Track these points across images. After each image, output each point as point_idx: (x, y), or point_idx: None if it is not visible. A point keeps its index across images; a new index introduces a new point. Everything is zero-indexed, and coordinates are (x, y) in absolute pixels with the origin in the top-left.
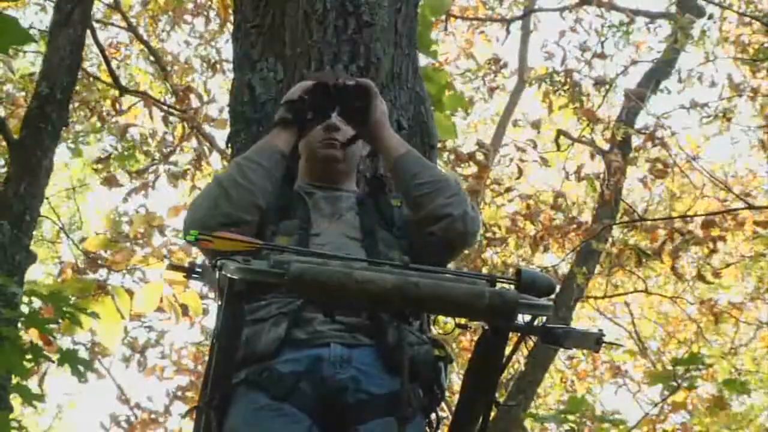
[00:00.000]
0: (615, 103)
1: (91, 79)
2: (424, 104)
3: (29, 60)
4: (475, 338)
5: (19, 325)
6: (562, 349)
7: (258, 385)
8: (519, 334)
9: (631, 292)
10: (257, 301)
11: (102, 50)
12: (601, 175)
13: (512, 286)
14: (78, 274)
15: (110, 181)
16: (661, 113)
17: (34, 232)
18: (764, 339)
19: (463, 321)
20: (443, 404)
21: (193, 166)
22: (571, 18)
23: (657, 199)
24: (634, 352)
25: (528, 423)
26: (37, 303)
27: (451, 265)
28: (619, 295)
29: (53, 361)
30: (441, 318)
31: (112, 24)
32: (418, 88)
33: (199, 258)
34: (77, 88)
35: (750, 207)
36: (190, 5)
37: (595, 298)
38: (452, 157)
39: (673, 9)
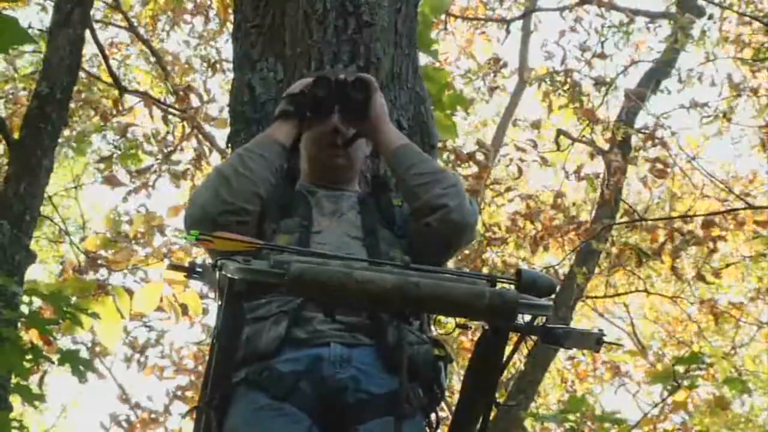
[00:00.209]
0: (615, 103)
1: (92, 79)
2: (424, 104)
3: (30, 59)
4: (475, 338)
5: (19, 325)
6: (562, 350)
7: (258, 385)
8: (519, 334)
9: (631, 292)
10: (257, 300)
11: (102, 50)
12: (601, 175)
13: (512, 286)
14: (79, 274)
15: (111, 181)
16: (661, 113)
17: (35, 232)
18: (766, 337)
19: (463, 321)
20: (443, 404)
21: (193, 166)
22: (571, 18)
23: (657, 200)
24: (634, 353)
25: (528, 423)
26: (37, 302)
27: (451, 265)
28: (619, 294)
29: (53, 362)
30: (441, 318)
31: (113, 24)
32: (418, 88)
33: (200, 258)
34: (79, 88)
35: (750, 207)
36: (190, 5)
37: (596, 297)
38: (452, 157)
39: (673, 9)
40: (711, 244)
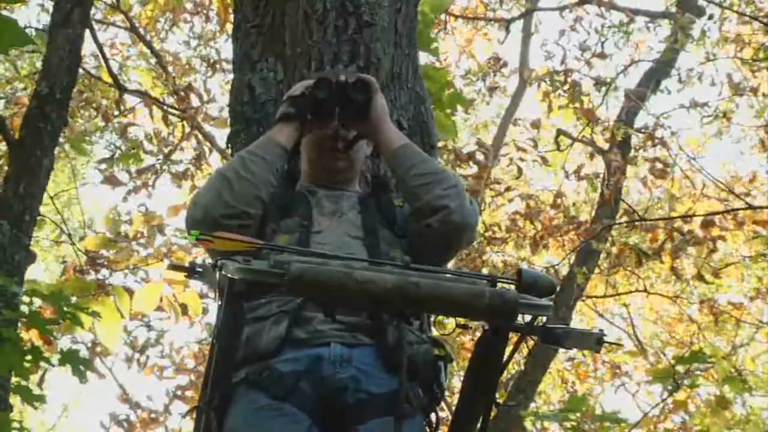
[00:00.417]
0: (615, 103)
1: (92, 80)
2: (424, 104)
3: (30, 59)
4: (475, 338)
5: (19, 324)
6: (562, 351)
7: (258, 385)
8: (519, 334)
9: (631, 292)
10: (257, 299)
11: (102, 50)
12: (601, 175)
13: (513, 286)
14: (80, 274)
15: (111, 181)
16: (661, 113)
17: (36, 233)
18: (767, 336)
19: (463, 321)
20: (443, 404)
21: (193, 166)
22: (571, 17)
23: (657, 200)
24: (634, 353)
25: (528, 423)
26: (37, 302)
27: (451, 265)
28: (618, 294)
29: (53, 365)
30: (442, 318)
31: (113, 24)
32: (418, 88)
33: (200, 258)
34: (80, 89)
35: (750, 207)
36: (189, 5)
37: (595, 297)
38: (452, 157)
39: (673, 9)
40: (711, 244)
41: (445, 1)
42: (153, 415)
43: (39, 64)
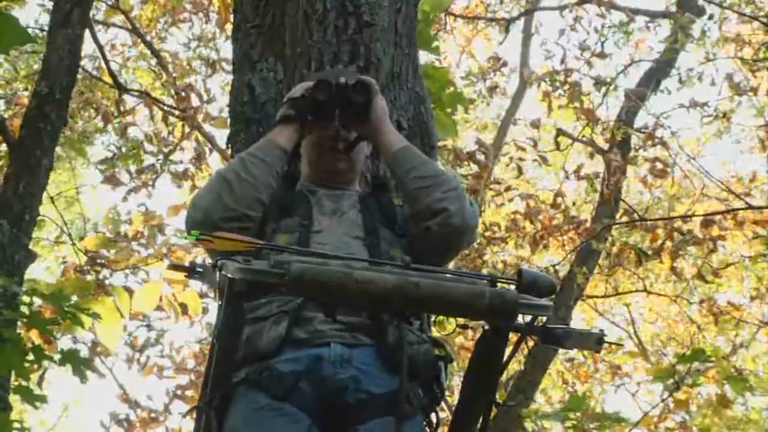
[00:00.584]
0: (615, 103)
1: (93, 80)
2: (424, 104)
3: (29, 59)
4: (476, 338)
5: (20, 324)
6: (562, 352)
7: (258, 385)
8: (519, 334)
9: (630, 292)
10: (257, 299)
11: (102, 50)
12: (601, 175)
13: (513, 286)
14: (81, 274)
15: (111, 180)
16: (660, 113)
17: (36, 233)
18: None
19: (463, 321)
20: (443, 404)
21: (193, 165)
22: (570, 17)
23: (657, 200)
24: (634, 354)
25: (529, 423)
26: (37, 302)
27: (451, 265)
28: (618, 294)
29: (55, 362)
30: (442, 318)
31: (114, 25)
32: (418, 88)
33: (200, 257)
34: (80, 89)
35: (750, 207)
36: (189, 5)
37: (595, 297)
38: (451, 156)
39: (673, 8)
40: (711, 244)
41: (445, 0)
42: (153, 415)
43: (38, 66)
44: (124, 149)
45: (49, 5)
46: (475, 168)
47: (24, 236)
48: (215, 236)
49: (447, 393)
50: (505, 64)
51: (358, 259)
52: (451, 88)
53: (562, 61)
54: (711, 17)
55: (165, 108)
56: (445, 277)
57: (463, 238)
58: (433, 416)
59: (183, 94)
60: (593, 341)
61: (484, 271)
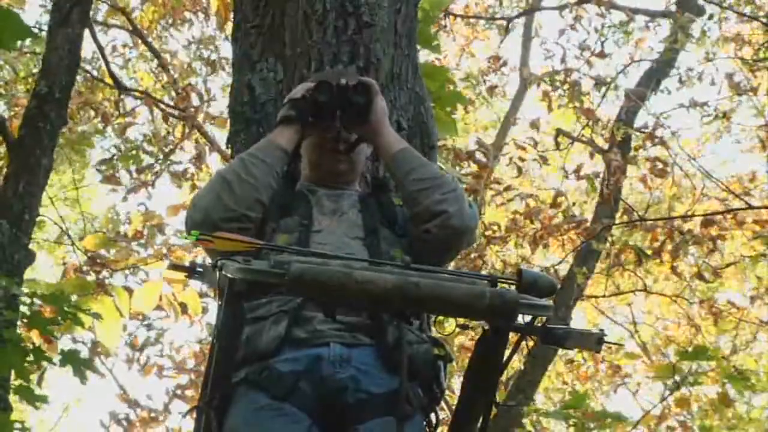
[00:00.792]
0: (615, 102)
1: (94, 81)
2: (424, 104)
3: (28, 60)
4: (476, 338)
5: (19, 323)
6: (562, 353)
7: (258, 385)
8: (519, 334)
9: (630, 292)
10: (257, 299)
11: (101, 50)
12: (601, 175)
13: (513, 287)
14: (81, 274)
15: (111, 180)
16: (660, 113)
17: (36, 234)
18: None
19: (463, 321)
20: (443, 404)
21: (193, 165)
22: (570, 17)
23: (657, 200)
24: (634, 355)
25: (529, 422)
26: (37, 301)
27: (451, 265)
28: (618, 294)
29: (54, 364)
30: (442, 318)
31: (115, 26)
32: (417, 89)
33: (200, 257)
34: (79, 89)
35: (750, 207)
36: (187, 2)
37: (595, 297)
38: (451, 156)
39: (673, 8)
40: (710, 244)
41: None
42: (153, 414)
43: (36, 68)
44: (123, 148)
45: (50, 6)
46: (475, 168)
47: (24, 236)
48: (215, 236)
49: (447, 393)
50: (505, 64)
51: (358, 259)
52: (451, 87)
53: (563, 61)
54: (711, 17)
55: (165, 107)
56: (445, 277)
57: (462, 239)
58: (432, 416)
59: (183, 93)
60: (593, 341)
61: (484, 271)
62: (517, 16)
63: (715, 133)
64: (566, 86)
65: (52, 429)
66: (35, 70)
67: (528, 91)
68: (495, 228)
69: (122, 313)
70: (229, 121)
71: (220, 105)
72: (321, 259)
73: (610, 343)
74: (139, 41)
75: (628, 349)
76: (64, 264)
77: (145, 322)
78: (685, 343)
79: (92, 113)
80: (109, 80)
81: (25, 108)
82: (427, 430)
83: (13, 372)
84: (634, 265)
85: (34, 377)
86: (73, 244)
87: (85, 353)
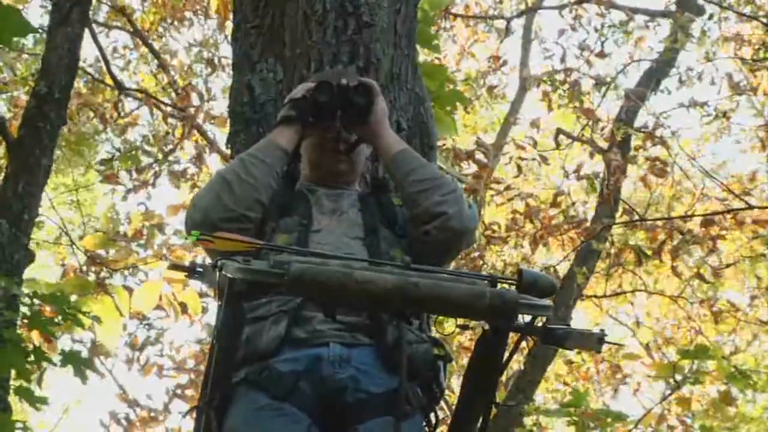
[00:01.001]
0: (615, 102)
1: (95, 83)
2: (424, 105)
3: (27, 61)
4: (475, 338)
5: (20, 324)
6: (560, 354)
7: (258, 385)
8: (519, 334)
9: (630, 291)
10: (257, 299)
11: (101, 50)
12: (601, 174)
13: (513, 287)
14: (81, 275)
15: (110, 179)
16: (660, 112)
17: (36, 234)
18: None
19: (463, 321)
20: (443, 404)
21: (193, 165)
22: (570, 16)
23: (657, 200)
24: (633, 356)
25: (530, 422)
26: (37, 301)
27: (452, 265)
28: (618, 294)
29: (55, 364)
30: (442, 318)
31: (116, 27)
32: (417, 89)
33: (200, 257)
34: (78, 90)
35: (750, 207)
36: (186, 1)
37: (594, 297)
38: (451, 155)
39: (673, 8)
40: (710, 243)
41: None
42: (152, 414)
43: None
44: (122, 149)
45: (50, 7)
46: (475, 168)
47: (23, 236)
48: (215, 236)
49: (447, 393)
50: (504, 63)
51: (357, 259)
52: (451, 86)
53: (562, 61)
54: (711, 17)
55: (165, 107)
56: (445, 277)
57: (462, 240)
58: (432, 416)
59: (183, 93)
60: (594, 341)
61: (485, 271)
62: (517, 16)
63: (715, 133)
64: (566, 86)
65: (52, 430)
66: (35, 71)
67: (528, 92)
68: (495, 228)
69: (122, 312)
70: (228, 121)
71: (221, 106)
72: (321, 259)
73: (610, 343)
74: (140, 42)
75: (629, 349)
76: (63, 265)
77: (145, 322)
78: (685, 343)
79: (91, 114)
80: (109, 81)
81: (24, 108)
82: (427, 429)
83: (13, 372)
84: (634, 265)
85: (33, 378)
86: (72, 244)
87: (84, 354)
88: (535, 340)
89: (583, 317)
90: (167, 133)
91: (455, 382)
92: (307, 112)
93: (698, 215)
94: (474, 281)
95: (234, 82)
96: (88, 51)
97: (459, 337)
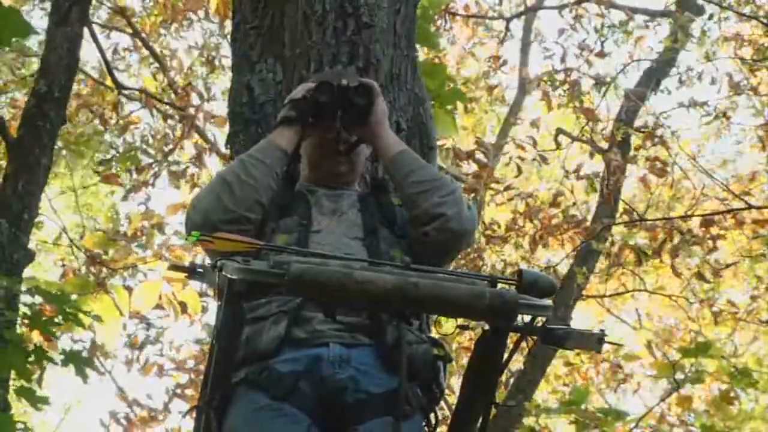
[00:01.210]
0: (615, 102)
1: (95, 85)
2: (423, 105)
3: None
4: (475, 338)
5: (20, 323)
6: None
7: (258, 385)
8: (519, 334)
9: (630, 291)
10: (257, 300)
11: (101, 50)
12: (601, 174)
13: (513, 287)
14: (81, 275)
15: (110, 179)
16: (660, 112)
17: (35, 235)
18: None
19: (463, 321)
20: (443, 404)
21: (193, 164)
22: (570, 16)
23: (657, 200)
24: (632, 357)
25: (532, 421)
26: (37, 300)
27: (452, 265)
28: (618, 294)
29: (56, 363)
30: (442, 318)
31: (116, 29)
32: (417, 89)
33: (199, 257)
34: (84, 93)
35: (750, 207)
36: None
37: (594, 297)
38: (451, 155)
39: (673, 8)
40: (710, 243)
41: None
42: (152, 414)
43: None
44: (121, 149)
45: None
46: (474, 167)
47: (23, 235)
48: (215, 237)
49: (446, 393)
50: (505, 63)
51: (357, 260)
52: (451, 85)
53: (562, 60)
54: (711, 17)
55: (164, 104)
56: (445, 277)
57: (461, 241)
58: (432, 416)
59: (183, 93)
60: (594, 341)
61: (484, 272)
62: (517, 16)
63: (715, 133)
64: (566, 86)
65: (56, 430)
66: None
67: (528, 93)
68: (495, 228)
69: (122, 311)
70: (228, 121)
71: (221, 106)
72: (320, 259)
73: (610, 342)
74: (140, 43)
75: (631, 348)
76: (63, 266)
77: (145, 322)
78: (685, 343)
79: (90, 115)
80: (109, 82)
81: (23, 108)
82: (427, 430)
83: (13, 372)
84: (634, 265)
85: (34, 378)
86: (71, 244)
87: (84, 354)
88: (535, 340)
89: (584, 317)
90: (166, 134)
91: (455, 382)
92: (308, 112)
93: (698, 215)
94: (474, 281)
95: (233, 82)
96: (88, 53)
97: (459, 337)
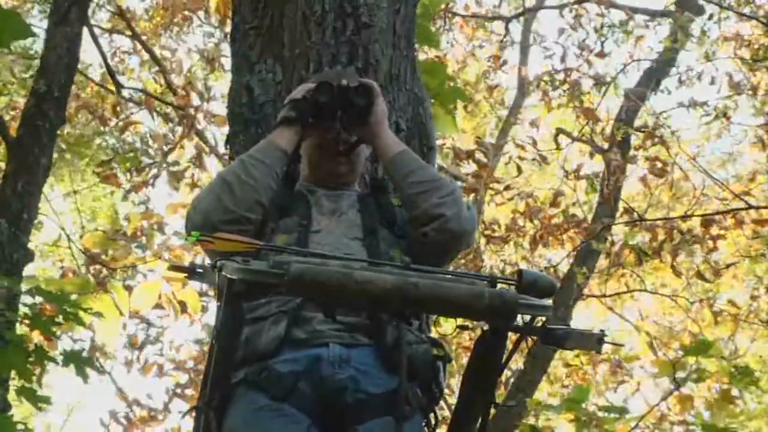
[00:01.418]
0: (615, 102)
1: (95, 87)
2: (423, 105)
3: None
4: (475, 338)
5: (20, 322)
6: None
7: (257, 385)
8: (519, 334)
9: (630, 291)
10: (257, 300)
11: (100, 50)
12: (601, 174)
13: (513, 287)
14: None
15: (109, 179)
16: (660, 112)
17: (35, 235)
18: None
19: (463, 321)
20: (442, 404)
21: (193, 164)
22: (570, 16)
23: (657, 200)
24: (632, 357)
25: (534, 420)
26: (38, 299)
27: (451, 266)
28: (618, 294)
29: (57, 363)
30: (442, 318)
31: (117, 31)
32: (416, 90)
33: (199, 257)
34: (83, 94)
35: (750, 207)
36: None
37: (594, 297)
38: (451, 154)
39: (673, 8)
40: (711, 243)
41: None
42: (152, 413)
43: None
44: (121, 150)
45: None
46: (474, 167)
47: (23, 235)
48: (215, 237)
49: (446, 393)
50: (505, 63)
51: (357, 260)
52: (451, 84)
53: (562, 60)
54: (711, 17)
55: (164, 104)
56: (445, 277)
57: (460, 242)
58: (432, 416)
59: (183, 93)
60: (594, 341)
61: (484, 272)
62: (517, 16)
63: (715, 133)
64: (566, 86)
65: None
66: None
67: (527, 95)
68: (495, 228)
69: (122, 311)
70: (227, 122)
71: (221, 107)
72: (320, 259)
73: (610, 343)
74: (140, 46)
75: (632, 348)
76: (62, 268)
77: (145, 322)
78: (685, 344)
79: (89, 116)
80: (110, 82)
81: (23, 108)
82: (426, 430)
83: (13, 373)
84: (634, 265)
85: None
86: (70, 244)
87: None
88: (535, 340)
89: (584, 317)
90: (165, 135)
91: (455, 382)
92: (307, 112)
93: (698, 215)
94: (473, 281)
95: (233, 83)
96: (89, 55)
97: (459, 337)
